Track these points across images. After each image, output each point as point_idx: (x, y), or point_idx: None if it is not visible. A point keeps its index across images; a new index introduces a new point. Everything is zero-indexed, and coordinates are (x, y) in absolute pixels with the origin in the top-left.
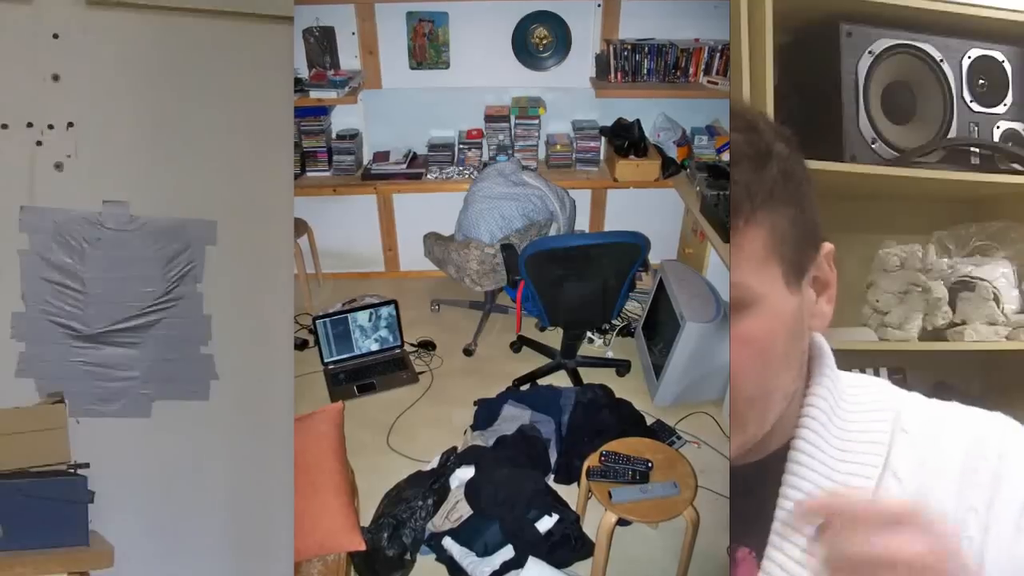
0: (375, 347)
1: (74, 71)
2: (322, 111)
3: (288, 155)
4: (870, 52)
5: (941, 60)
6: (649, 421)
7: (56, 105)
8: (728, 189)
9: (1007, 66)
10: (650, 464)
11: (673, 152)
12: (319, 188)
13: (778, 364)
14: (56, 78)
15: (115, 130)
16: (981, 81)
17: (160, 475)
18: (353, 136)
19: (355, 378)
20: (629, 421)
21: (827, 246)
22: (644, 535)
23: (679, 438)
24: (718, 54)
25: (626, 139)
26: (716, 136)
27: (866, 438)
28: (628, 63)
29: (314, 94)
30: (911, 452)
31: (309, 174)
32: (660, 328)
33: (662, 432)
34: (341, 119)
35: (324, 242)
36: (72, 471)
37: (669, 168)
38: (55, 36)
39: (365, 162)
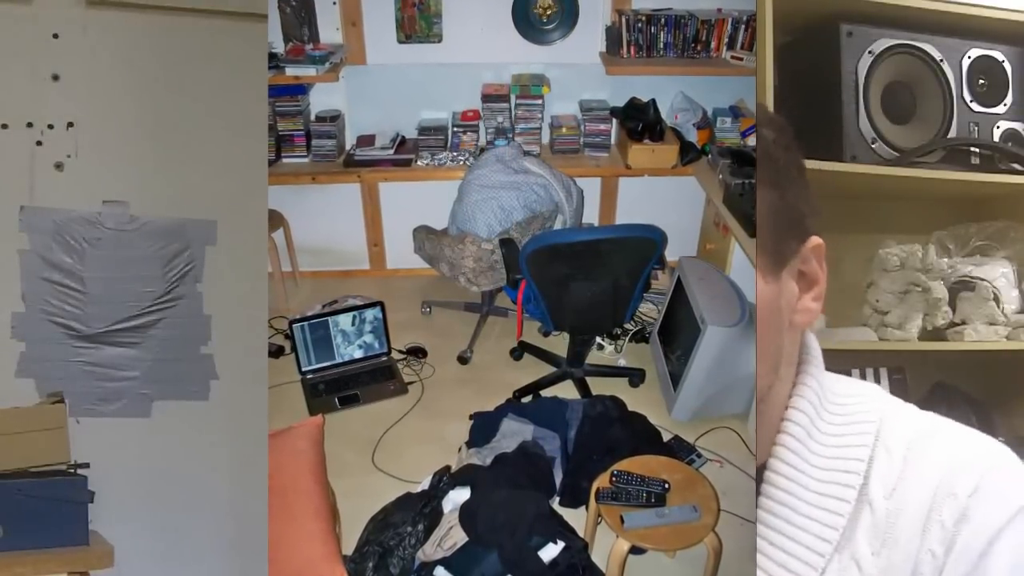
0: (359, 354)
1: (74, 71)
2: (299, 90)
3: (262, 146)
4: (870, 52)
5: (941, 60)
6: (666, 437)
7: (56, 105)
8: (754, 177)
9: (1007, 66)
10: (667, 485)
11: (693, 136)
12: (296, 176)
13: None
14: (56, 78)
15: (115, 130)
16: (981, 81)
17: (160, 475)
18: (334, 118)
19: (336, 389)
20: (643, 437)
21: (814, 240)
22: (660, 565)
23: (699, 456)
24: (743, 26)
25: (640, 121)
26: (741, 118)
27: (847, 454)
28: (642, 36)
29: (290, 71)
30: (887, 476)
31: (285, 160)
32: (678, 333)
33: (680, 449)
34: (321, 99)
35: (302, 237)
36: (72, 471)
37: (688, 154)
38: (55, 36)
39: (348, 147)
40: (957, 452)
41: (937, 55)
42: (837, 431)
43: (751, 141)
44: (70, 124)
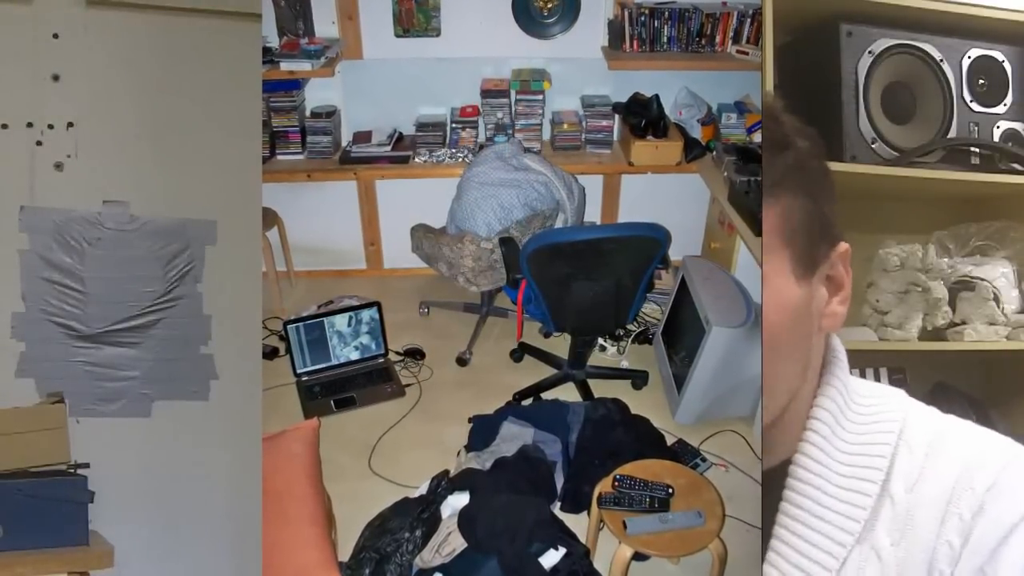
0: (355, 356)
1: (74, 71)
2: (294, 85)
3: (257, 144)
4: (870, 52)
5: (941, 60)
6: (669, 440)
7: (56, 105)
8: (760, 175)
9: (1007, 66)
10: (671, 490)
11: (697, 132)
12: (291, 173)
13: (781, 354)
14: (56, 78)
15: (115, 130)
16: (981, 81)
17: (160, 475)
18: (330, 114)
19: (332, 391)
20: (646, 441)
21: (843, 246)
22: (664, 571)
23: (704, 460)
24: (748, 20)
25: (643, 117)
26: (746, 114)
27: (871, 451)
28: (645, 30)
29: (285, 66)
30: (909, 471)
31: (279, 157)
32: (682, 334)
33: (684, 453)
34: (316, 94)
35: (297, 235)
36: (72, 471)
37: (692, 150)
38: (55, 36)
39: (344, 144)
40: (976, 449)
41: (937, 55)
42: (861, 429)
43: (757, 137)
44: (70, 124)
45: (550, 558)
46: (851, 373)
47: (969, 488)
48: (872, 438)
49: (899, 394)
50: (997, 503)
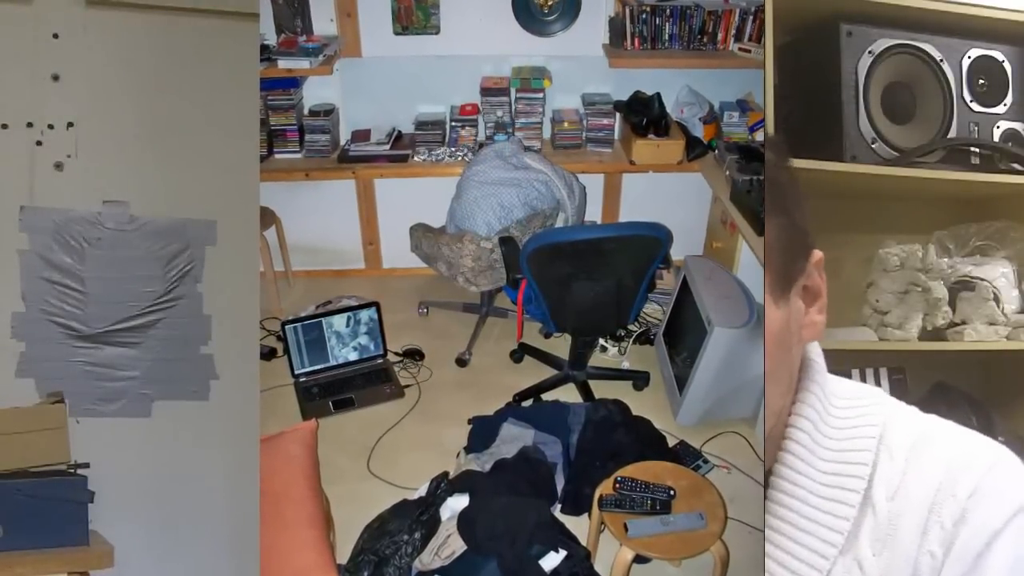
0: (354, 356)
1: (74, 71)
2: (292, 83)
3: (254, 144)
4: (870, 52)
5: (941, 60)
6: (671, 442)
7: (56, 105)
8: (762, 173)
9: (1007, 66)
10: (672, 492)
11: (699, 131)
12: (289, 172)
13: (768, 378)
14: (56, 78)
15: (115, 130)
16: (981, 81)
17: (160, 475)
18: (328, 112)
19: (331, 392)
20: (647, 442)
21: (816, 254)
22: (665, 574)
23: (706, 462)
24: (751, 17)
25: (644, 116)
26: (748, 112)
27: (851, 459)
28: (647, 27)
29: (283, 64)
30: (890, 478)
31: (277, 156)
32: (684, 334)
33: (686, 455)
34: (314, 92)
35: (295, 235)
36: (72, 471)
37: (694, 149)
38: (55, 36)
39: (342, 142)
40: (957, 454)
41: (937, 55)
42: (841, 435)
43: (759, 136)
44: (70, 124)
45: (550, 560)
46: (851, 374)
47: (951, 496)
48: (852, 444)
49: (878, 394)
50: (979, 509)
